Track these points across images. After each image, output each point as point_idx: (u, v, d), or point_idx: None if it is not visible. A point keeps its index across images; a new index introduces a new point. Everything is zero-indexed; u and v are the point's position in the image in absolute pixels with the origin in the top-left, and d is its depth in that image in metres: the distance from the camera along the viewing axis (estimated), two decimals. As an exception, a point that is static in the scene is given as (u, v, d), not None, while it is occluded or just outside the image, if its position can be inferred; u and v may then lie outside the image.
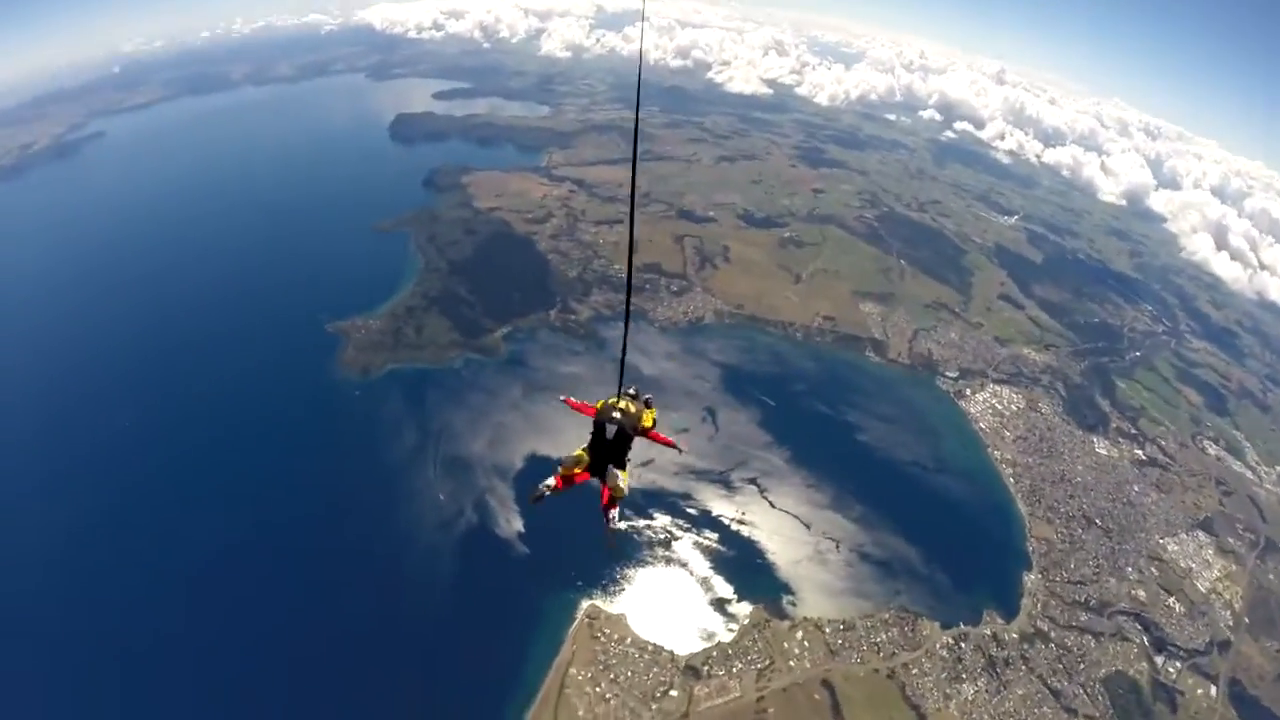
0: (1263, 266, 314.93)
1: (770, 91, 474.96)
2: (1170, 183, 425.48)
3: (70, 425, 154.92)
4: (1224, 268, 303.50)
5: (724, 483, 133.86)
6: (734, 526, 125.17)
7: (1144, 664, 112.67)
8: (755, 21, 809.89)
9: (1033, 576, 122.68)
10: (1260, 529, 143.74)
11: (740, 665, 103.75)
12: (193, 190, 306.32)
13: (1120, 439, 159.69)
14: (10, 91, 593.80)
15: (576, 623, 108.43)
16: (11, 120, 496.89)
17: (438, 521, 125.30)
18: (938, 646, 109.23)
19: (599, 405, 21.24)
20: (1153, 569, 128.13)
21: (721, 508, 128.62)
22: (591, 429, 21.03)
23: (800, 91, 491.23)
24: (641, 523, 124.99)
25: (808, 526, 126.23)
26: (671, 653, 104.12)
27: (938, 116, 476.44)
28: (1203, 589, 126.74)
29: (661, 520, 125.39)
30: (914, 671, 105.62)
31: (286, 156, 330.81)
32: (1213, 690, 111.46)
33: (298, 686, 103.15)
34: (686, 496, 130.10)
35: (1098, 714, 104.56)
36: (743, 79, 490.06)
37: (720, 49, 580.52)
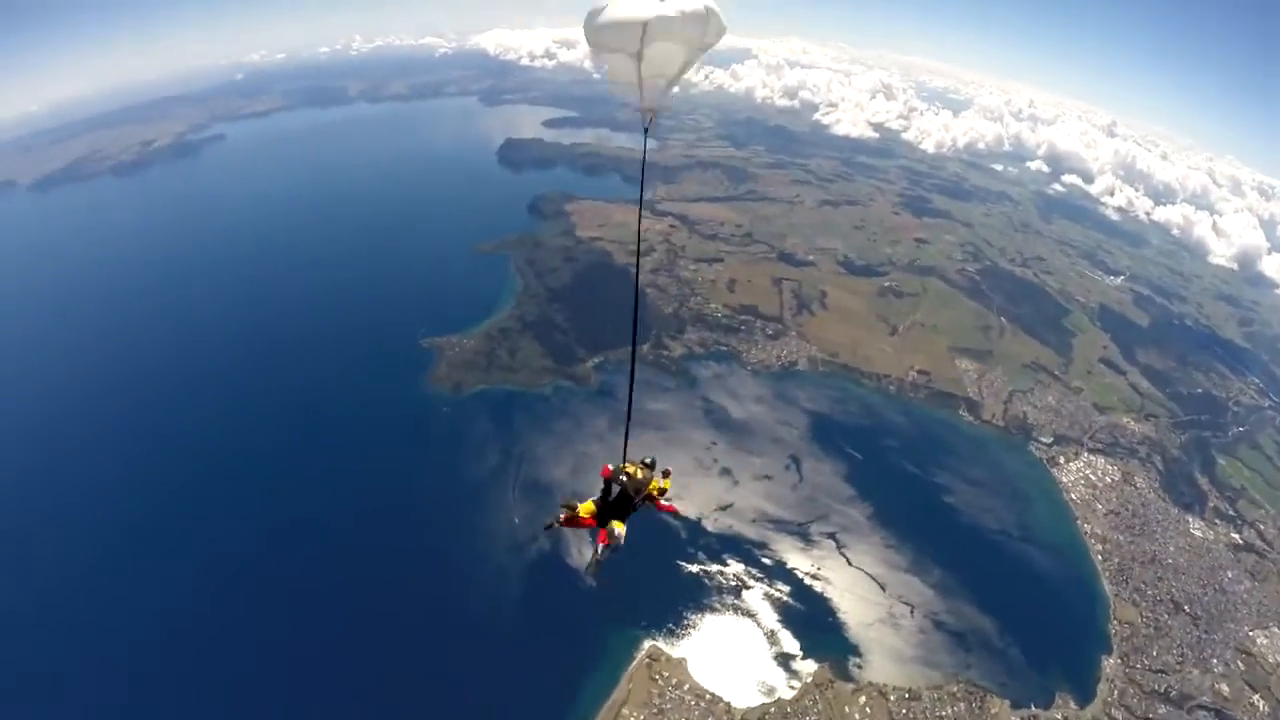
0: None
1: (876, 136, 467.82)
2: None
3: (169, 411, 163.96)
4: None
5: (802, 535, 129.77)
6: (807, 581, 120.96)
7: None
8: (864, 64, 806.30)
9: (1112, 661, 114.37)
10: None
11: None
12: (304, 198, 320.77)
13: (1217, 520, 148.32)
14: (136, 90, 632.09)
15: (636, 662, 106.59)
16: (136, 118, 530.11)
17: (511, 543, 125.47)
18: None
19: (614, 467, 22.89)
20: (1239, 662, 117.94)
21: (797, 560, 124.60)
22: (603, 485, 22.90)
23: (907, 137, 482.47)
24: (714, 568, 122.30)
25: (883, 588, 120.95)
26: (728, 704, 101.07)
27: (1045, 168, 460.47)
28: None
29: (734, 567, 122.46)
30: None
31: (396, 172, 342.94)
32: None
33: (353, 684, 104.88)
34: (762, 545, 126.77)
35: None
36: (849, 122, 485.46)
37: (828, 90, 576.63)
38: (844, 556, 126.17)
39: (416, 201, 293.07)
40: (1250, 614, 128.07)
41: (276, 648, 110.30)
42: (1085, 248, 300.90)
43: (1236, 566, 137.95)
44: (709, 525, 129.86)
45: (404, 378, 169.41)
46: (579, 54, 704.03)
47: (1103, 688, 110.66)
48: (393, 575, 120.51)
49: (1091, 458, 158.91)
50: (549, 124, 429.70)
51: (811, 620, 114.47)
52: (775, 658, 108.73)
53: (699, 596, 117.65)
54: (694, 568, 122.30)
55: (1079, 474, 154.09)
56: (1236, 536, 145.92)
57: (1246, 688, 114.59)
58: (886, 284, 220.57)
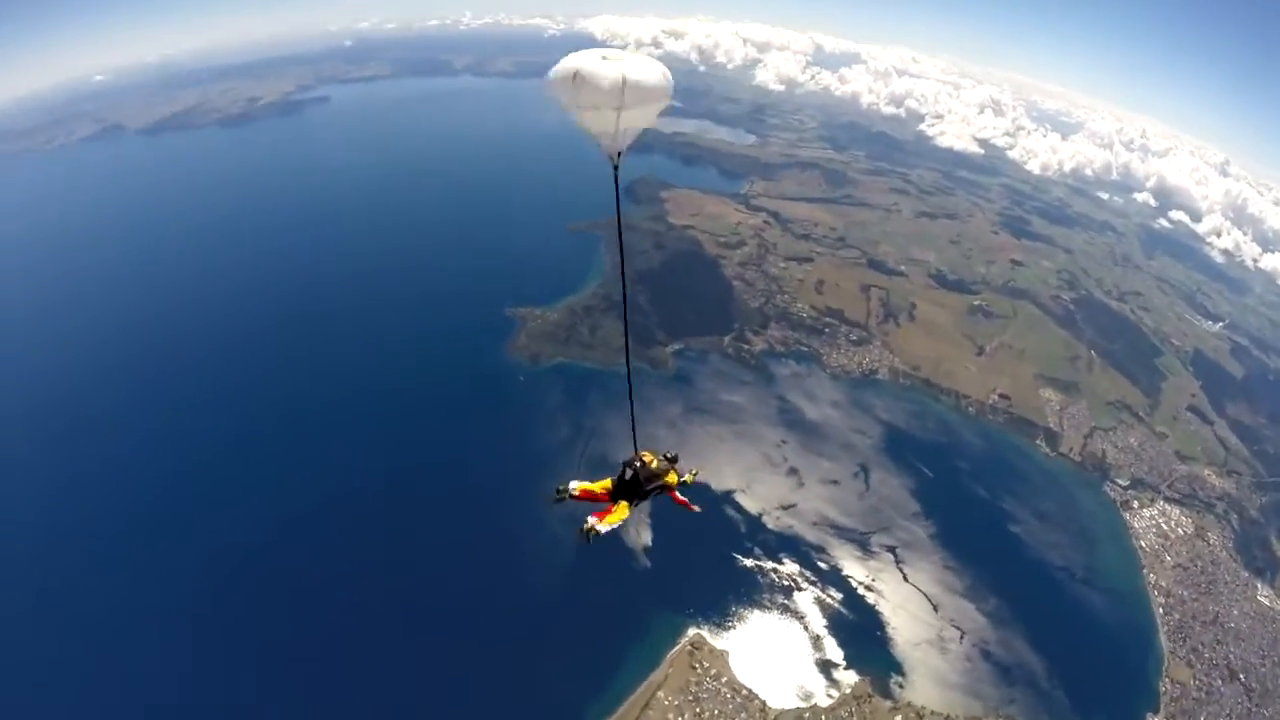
0: None
1: (981, 151, 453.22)
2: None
3: (261, 354, 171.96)
4: None
5: (862, 544, 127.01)
6: (861, 591, 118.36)
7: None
8: (974, 79, 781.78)
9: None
10: None
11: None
12: (404, 162, 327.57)
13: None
14: (247, 50, 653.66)
15: (678, 647, 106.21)
16: (245, 75, 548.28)
17: (569, 514, 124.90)
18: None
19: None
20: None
21: (853, 569, 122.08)
22: (621, 467, 23.11)
23: (1012, 155, 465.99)
24: (769, 565, 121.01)
25: (936, 609, 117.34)
26: (764, 703, 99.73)
27: (1152, 202, 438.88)
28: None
29: (789, 567, 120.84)
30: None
31: (496, 145, 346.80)
32: None
33: (404, 633, 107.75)
34: (820, 550, 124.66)
35: None
36: (954, 134, 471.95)
37: (935, 101, 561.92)
38: (901, 571, 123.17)
39: (514, 175, 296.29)
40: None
41: (337, 585, 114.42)
42: (1185, 289, 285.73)
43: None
44: (770, 523, 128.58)
45: (485, 344, 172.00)
46: (687, 45, 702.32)
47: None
48: (449, 529, 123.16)
49: (1167, 507, 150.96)
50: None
51: (859, 631, 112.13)
52: (817, 664, 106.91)
53: (750, 591, 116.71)
54: (749, 562, 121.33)
55: (1152, 522, 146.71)
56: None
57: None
58: (977, 302, 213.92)
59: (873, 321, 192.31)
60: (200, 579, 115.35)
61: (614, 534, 22.26)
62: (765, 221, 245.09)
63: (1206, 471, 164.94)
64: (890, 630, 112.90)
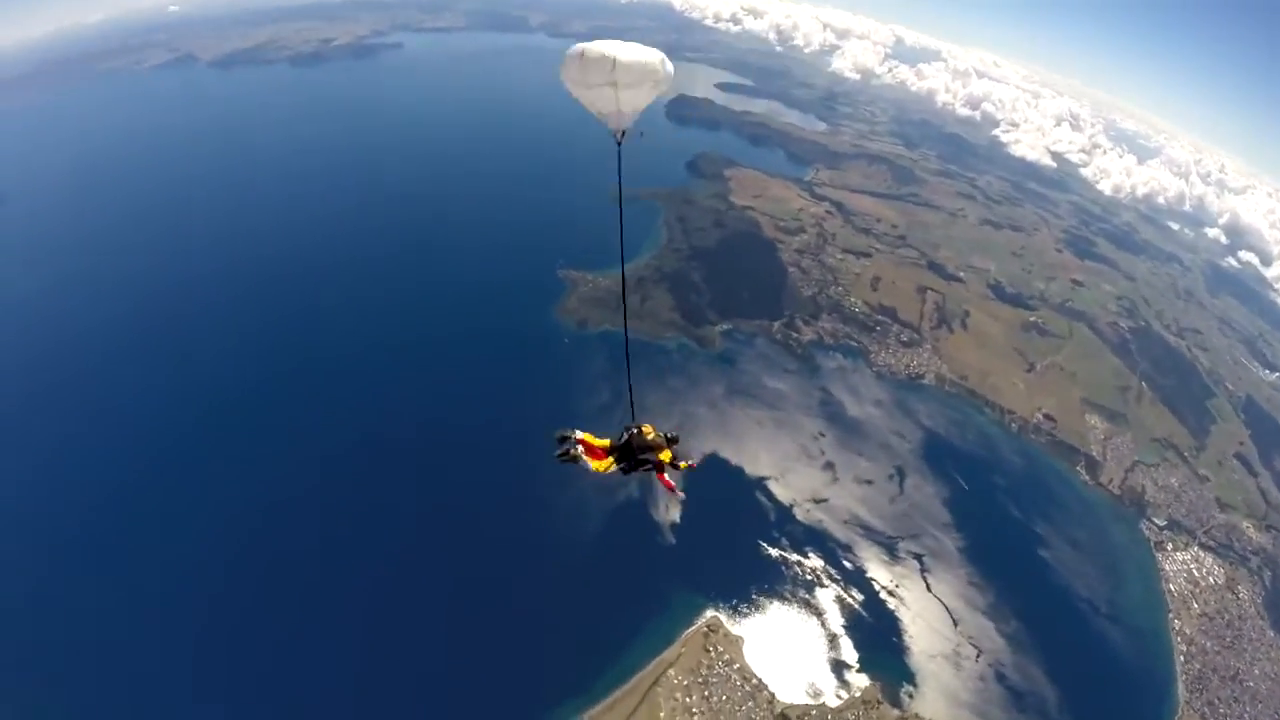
0: None
1: (1054, 165, 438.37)
2: None
3: (320, 290, 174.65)
4: None
5: (889, 548, 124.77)
6: (882, 595, 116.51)
7: None
8: (1055, 90, 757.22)
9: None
10: None
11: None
12: (471, 114, 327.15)
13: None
14: None
15: (695, 628, 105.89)
16: (320, 15, 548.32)
17: (599, 483, 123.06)
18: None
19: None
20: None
21: (877, 572, 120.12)
22: (621, 431, 24.85)
23: (1085, 173, 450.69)
24: (794, 557, 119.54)
25: (955, 623, 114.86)
26: (772, 695, 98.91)
27: (1223, 239, 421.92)
28: None
29: (814, 562, 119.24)
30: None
31: (564, 106, 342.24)
32: None
33: (424, 585, 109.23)
34: (847, 549, 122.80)
35: None
36: (1028, 145, 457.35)
37: (1012, 108, 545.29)
38: (925, 581, 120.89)
39: (578, 137, 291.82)
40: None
41: (366, 531, 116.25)
42: (1247, 333, 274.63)
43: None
44: (800, 514, 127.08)
45: (535, 302, 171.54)
46: (765, 24, 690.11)
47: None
48: (480, 486, 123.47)
49: (1200, 553, 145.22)
50: (722, 87, 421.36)
51: (876, 636, 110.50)
52: (830, 663, 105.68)
53: (772, 581, 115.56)
54: (774, 552, 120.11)
55: (1183, 566, 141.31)
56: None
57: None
58: (1033, 319, 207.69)
59: (925, 325, 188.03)
60: (228, 518, 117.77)
61: (585, 469, 23.76)
62: (827, 211, 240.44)
63: (1245, 523, 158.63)
64: (907, 639, 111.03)
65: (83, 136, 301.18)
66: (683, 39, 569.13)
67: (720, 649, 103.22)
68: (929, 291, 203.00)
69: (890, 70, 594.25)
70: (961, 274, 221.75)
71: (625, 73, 17.65)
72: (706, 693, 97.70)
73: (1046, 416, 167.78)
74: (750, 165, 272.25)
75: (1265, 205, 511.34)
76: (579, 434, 24.37)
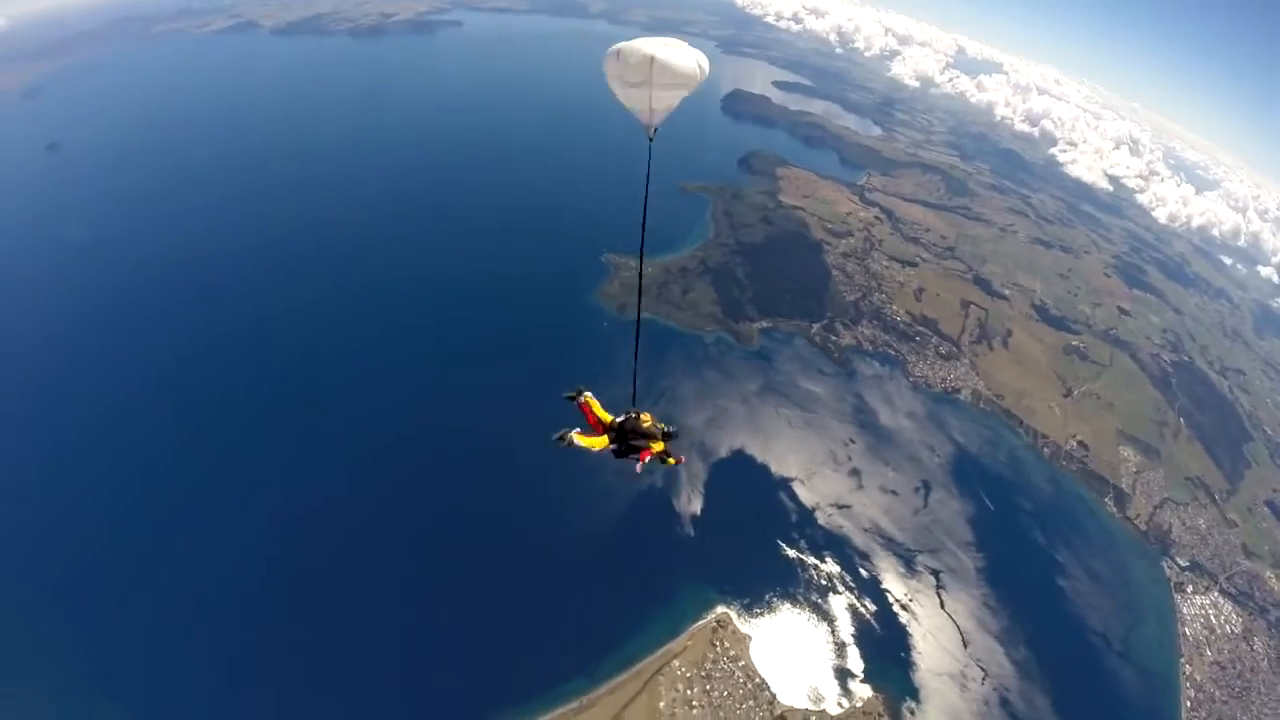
0: None
1: (1109, 188, 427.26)
2: None
3: (367, 261, 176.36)
4: None
5: (907, 561, 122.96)
6: (895, 608, 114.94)
7: None
8: (1116, 112, 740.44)
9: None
10: None
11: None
12: (527, 97, 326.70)
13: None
14: None
15: (703, 622, 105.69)
16: None
17: (622, 468, 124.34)
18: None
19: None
20: None
21: (892, 584, 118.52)
22: (623, 412, 26.16)
23: (1140, 199, 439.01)
24: (811, 560, 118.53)
25: (965, 644, 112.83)
26: (774, 695, 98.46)
27: (1276, 278, 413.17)
28: None
29: (831, 567, 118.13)
30: None
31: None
32: None
33: (441, 563, 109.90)
34: (865, 557, 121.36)
35: None
36: (1085, 166, 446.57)
37: (1071, 128, 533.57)
38: (939, 597, 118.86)
39: (633, 125, 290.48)
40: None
41: (391, 497, 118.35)
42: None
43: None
44: (821, 518, 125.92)
45: (577, 284, 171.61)
46: (826, 25, 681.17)
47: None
48: (506, 461, 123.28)
49: (1220, 599, 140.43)
50: (779, 85, 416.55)
51: (884, 648, 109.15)
52: (835, 670, 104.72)
53: (786, 583, 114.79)
54: (792, 553, 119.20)
55: (1201, 611, 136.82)
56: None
57: None
58: (1075, 343, 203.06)
59: (965, 339, 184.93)
60: (271, 486, 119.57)
61: (579, 450, 25.55)
62: (876, 217, 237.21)
63: (1269, 573, 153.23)
64: (915, 654, 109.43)
65: (139, 94, 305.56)
66: (741, 34, 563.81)
67: (727, 645, 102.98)
68: (972, 306, 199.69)
69: (950, 80, 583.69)
70: (1007, 291, 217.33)
71: (661, 73, 18.18)
72: (708, 687, 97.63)
73: (1079, 444, 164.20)
74: (802, 165, 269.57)
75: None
76: (587, 395, 26.40)
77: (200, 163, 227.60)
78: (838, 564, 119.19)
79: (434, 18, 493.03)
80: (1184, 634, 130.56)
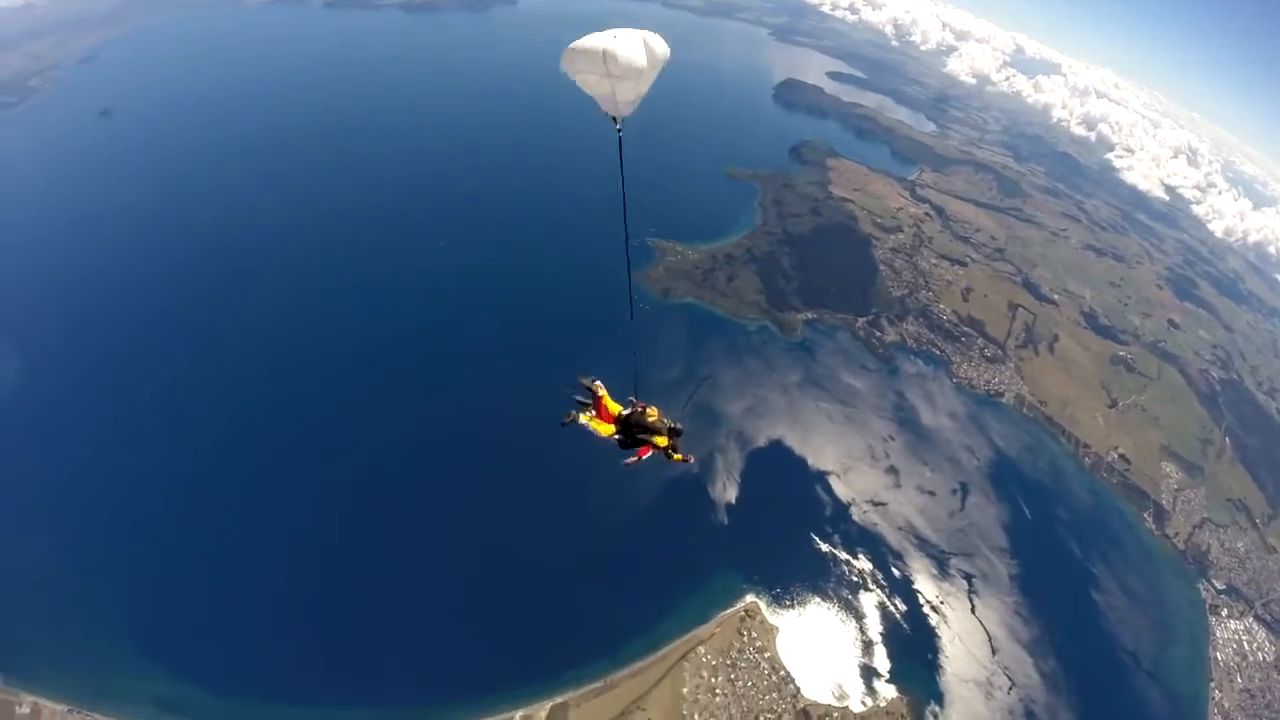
0: None
1: (1166, 198, 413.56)
2: None
3: (410, 235, 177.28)
4: None
5: (940, 563, 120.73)
6: (925, 610, 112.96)
7: None
8: (1175, 121, 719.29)
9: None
10: None
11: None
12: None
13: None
14: None
15: (732, 610, 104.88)
16: None
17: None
18: None
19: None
20: None
21: (924, 585, 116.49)
22: (626, 408, 25.73)
23: (1196, 211, 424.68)
24: (844, 556, 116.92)
25: (994, 651, 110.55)
26: (797, 689, 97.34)
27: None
28: None
29: (863, 565, 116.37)
30: None
31: (669, 78, 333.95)
32: None
33: (474, 534, 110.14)
34: (898, 556, 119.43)
35: None
36: (1141, 174, 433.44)
37: (1129, 134, 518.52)
38: (971, 602, 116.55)
39: (681, 110, 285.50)
40: None
41: (430, 472, 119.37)
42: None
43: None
44: (856, 514, 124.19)
45: (620, 265, 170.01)
46: (883, 17, 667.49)
47: None
48: (541, 440, 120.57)
49: (1254, 625, 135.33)
50: (833, 76, 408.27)
51: (912, 649, 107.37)
52: (861, 668, 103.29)
53: (817, 577, 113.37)
54: (825, 547, 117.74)
55: (1234, 636, 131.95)
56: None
57: None
58: (1122, 353, 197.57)
59: (1011, 343, 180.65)
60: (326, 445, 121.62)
61: (588, 433, 25.56)
62: (927, 214, 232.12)
63: None
64: (943, 658, 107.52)
65: (191, 63, 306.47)
66: (796, 22, 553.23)
67: (754, 635, 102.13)
68: (1020, 309, 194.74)
69: (1007, 79, 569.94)
70: (1056, 296, 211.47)
71: (615, 66, 18.04)
72: (733, 675, 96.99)
73: (1121, 457, 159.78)
74: (853, 157, 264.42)
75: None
76: (600, 388, 26.16)
77: (246, 135, 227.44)
78: (870, 561, 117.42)
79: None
80: (1215, 658, 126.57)
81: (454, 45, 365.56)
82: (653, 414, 25.19)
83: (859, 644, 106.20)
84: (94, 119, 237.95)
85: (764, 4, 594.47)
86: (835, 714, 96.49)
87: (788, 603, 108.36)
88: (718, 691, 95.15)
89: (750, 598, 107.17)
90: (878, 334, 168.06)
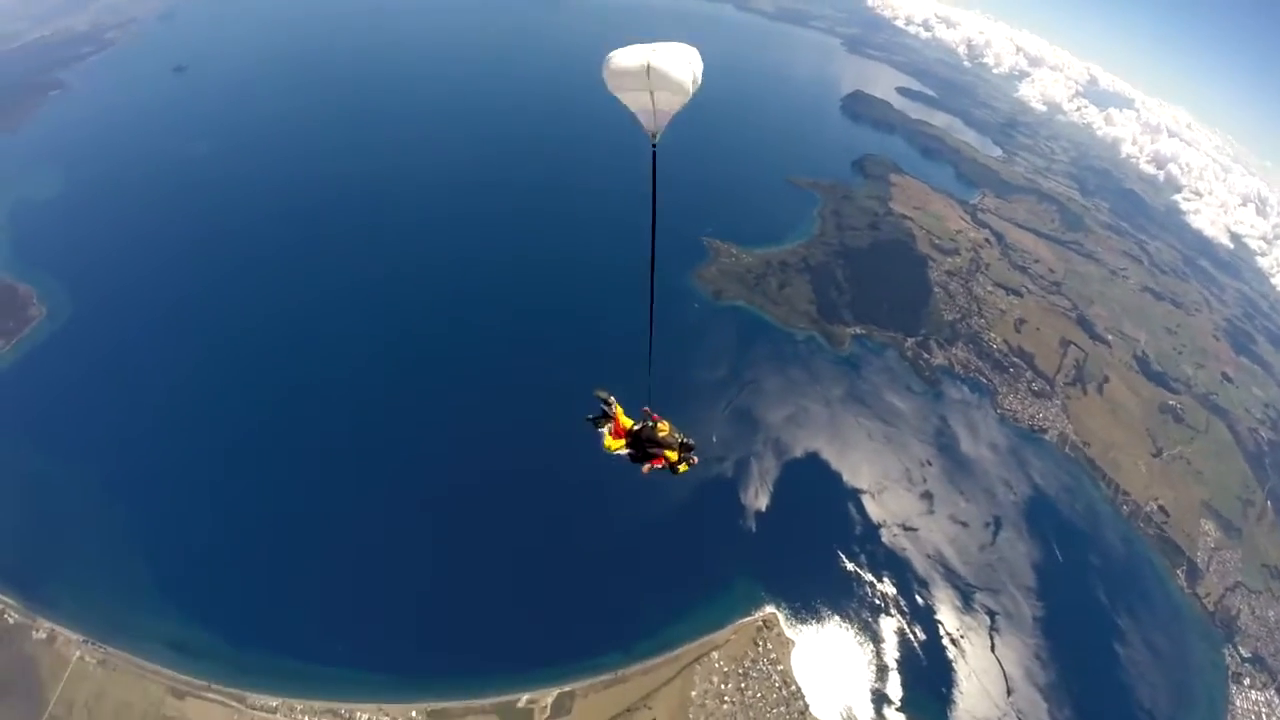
0: None
1: (1230, 246, 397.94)
2: None
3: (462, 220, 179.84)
4: None
5: (965, 595, 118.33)
6: (944, 641, 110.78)
7: None
8: (1246, 167, 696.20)
9: None
10: None
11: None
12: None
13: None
14: None
15: (750, 619, 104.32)
16: None
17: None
18: None
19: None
20: None
21: (946, 616, 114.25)
22: (638, 422, 25.27)
23: (1261, 262, 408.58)
24: (868, 577, 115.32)
25: (1009, 692, 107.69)
26: (806, 705, 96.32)
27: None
28: None
29: (886, 588, 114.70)
30: None
31: (736, 80, 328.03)
32: None
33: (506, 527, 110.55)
34: (924, 584, 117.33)
35: None
36: (1208, 218, 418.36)
37: (1199, 176, 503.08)
38: (991, 639, 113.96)
39: (746, 113, 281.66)
40: None
41: (465, 456, 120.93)
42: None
43: None
44: (885, 536, 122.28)
45: (674, 262, 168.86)
46: (957, 36, 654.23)
47: None
48: (578, 436, 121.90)
49: (1275, 699, 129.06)
50: (902, 92, 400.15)
51: (926, 679, 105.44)
52: (873, 693, 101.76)
53: (839, 595, 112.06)
54: (850, 566, 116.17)
55: (1254, 707, 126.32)
56: None
57: None
58: (1172, 402, 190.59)
59: (1060, 379, 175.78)
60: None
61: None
62: (986, 239, 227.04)
63: None
64: (956, 693, 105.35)
65: (265, 24, 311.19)
66: (867, 35, 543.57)
67: (769, 646, 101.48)
68: (1072, 346, 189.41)
69: (1079, 109, 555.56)
70: (1110, 337, 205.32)
71: (657, 79, 17.70)
72: (743, 684, 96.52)
73: (1160, 508, 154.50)
74: (917, 175, 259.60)
75: None
76: (615, 404, 25.62)
77: (309, 105, 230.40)
78: (894, 585, 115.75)
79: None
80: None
81: (528, 32, 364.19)
82: (664, 428, 24.85)
83: (873, 668, 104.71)
84: (169, 74, 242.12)
85: (837, 13, 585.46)
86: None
87: (806, 618, 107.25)
88: (726, 699, 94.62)
89: (769, 608, 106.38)
90: (926, 356, 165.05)
